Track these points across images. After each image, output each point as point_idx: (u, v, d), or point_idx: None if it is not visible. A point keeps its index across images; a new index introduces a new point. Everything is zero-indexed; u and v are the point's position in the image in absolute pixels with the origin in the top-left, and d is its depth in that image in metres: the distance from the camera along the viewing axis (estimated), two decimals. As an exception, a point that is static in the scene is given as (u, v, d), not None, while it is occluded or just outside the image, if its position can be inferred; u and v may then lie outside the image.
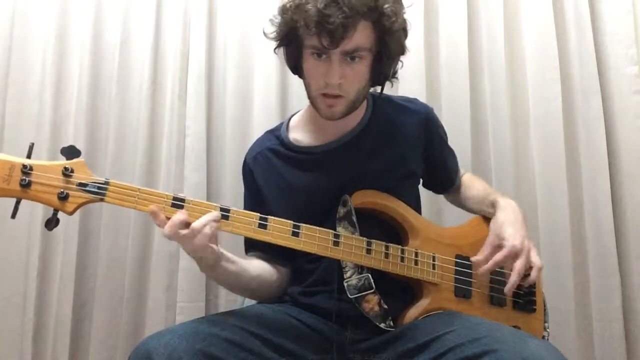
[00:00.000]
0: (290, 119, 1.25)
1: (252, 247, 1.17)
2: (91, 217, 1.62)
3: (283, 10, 1.06)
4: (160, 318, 1.55)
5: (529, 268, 1.04)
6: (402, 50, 1.08)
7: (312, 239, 1.03)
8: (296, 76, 1.18)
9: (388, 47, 1.04)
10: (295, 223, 1.02)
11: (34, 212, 1.57)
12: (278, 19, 1.08)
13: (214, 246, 0.95)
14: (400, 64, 1.13)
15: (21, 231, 1.59)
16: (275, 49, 1.14)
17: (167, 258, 1.58)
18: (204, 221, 0.92)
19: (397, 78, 1.15)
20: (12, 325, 1.56)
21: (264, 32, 1.11)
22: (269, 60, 1.62)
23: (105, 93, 1.66)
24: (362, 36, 1.00)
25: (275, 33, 1.10)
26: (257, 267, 1.12)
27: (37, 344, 1.56)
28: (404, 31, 1.07)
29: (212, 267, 1.00)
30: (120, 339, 1.56)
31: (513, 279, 1.02)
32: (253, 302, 1.22)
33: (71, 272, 1.56)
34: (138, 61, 1.67)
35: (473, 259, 1.09)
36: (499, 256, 1.04)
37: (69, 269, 1.57)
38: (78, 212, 1.57)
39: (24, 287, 1.57)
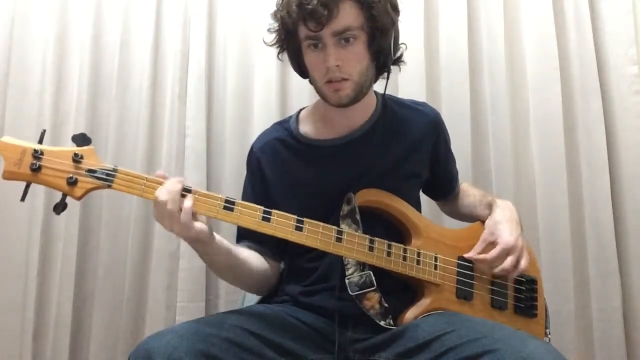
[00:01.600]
0: (299, 112, 1.26)
1: (244, 237, 1.17)
2: (91, 217, 1.62)
3: (274, 14, 1.10)
4: (160, 318, 1.55)
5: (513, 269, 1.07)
6: (392, 21, 1.08)
7: (315, 234, 1.03)
8: (296, 76, 1.19)
9: (377, 20, 1.04)
10: (298, 218, 1.02)
11: (34, 212, 1.57)
12: (274, 26, 1.11)
13: (196, 225, 0.94)
14: (404, 46, 1.14)
15: (21, 231, 1.59)
16: (278, 54, 1.16)
17: (167, 258, 1.58)
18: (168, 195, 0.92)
19: (403, 61, 1.16)
20: (12, 325, 1.56)
21: (264, 42, 1.14)
22: (269, 60, 1.62)
23: (105, 93, 1.66)
24: (348, 15, 1.02)
25: (274, 39, 1.12)
26: (247, 252, 1.12)
27: (37, 343, 1.56)
28: (390, 2, 1.07)
29: (204, 246, 1.00)
30: (120, 339, 1.56)
31: (495, 271, 1.06)
32: (253, 302, 1.22)
33: (71, 272, 1.57)
34: (138, 61, 1.67)
35: (467, 255, 1.10)
36: (491, 254, 1.06)
37: (69, 268, 1.57)
38: (78, 211, 1.59)
39: (24, 287, 1.57)
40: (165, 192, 0.93)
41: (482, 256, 1.07)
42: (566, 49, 1.67)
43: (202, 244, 0.99)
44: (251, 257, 1.12)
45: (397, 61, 1.15)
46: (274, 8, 1.10)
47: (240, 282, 1.18)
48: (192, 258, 1.57)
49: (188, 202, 0.93)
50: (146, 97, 1.63)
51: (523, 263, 1.06)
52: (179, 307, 1.55)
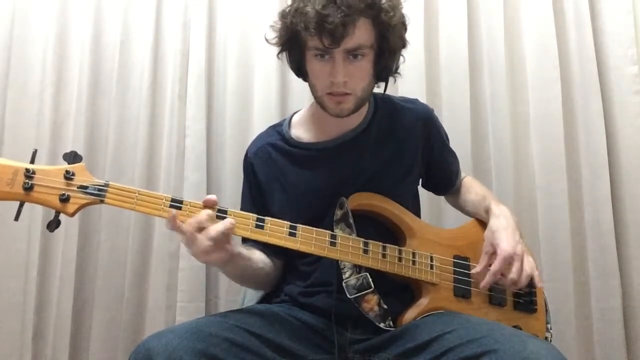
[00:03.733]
0: (292, 116, 1.26)
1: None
2: (91, 217, 1.62)
3: (283, 15, 1.08)
4: (160, 318, 1.56)
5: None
6: (403, 43, 1.09)
7: (309, 239, 1.03)
8: (296, 76, 1.18)
9: (389, 42, 1.05)
10: (292, 224, 1.03)
11: (34, 213, 1.57)
12: (279, 25, 1.10)
13: (220, 253, 0.96)
14: (402, 58, 1.14)
15: (21, 231, 1.59)
16: (278, 54, 1.15)
17: (167, 258, 1.58)
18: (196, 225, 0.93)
19: (399, 73, 1.16)
20: (12, 325, 1.57)
21: (265, 39, 1.13)
22: (269, 60, 1.62)
23: (105, 93, 1.66)
24: (363, 34, 1.02)
25: (276, 38, 1.11)
26: (260, 260, 1.14)
27: (37, 343, 1.56)
28: (403, 25, 1.08)
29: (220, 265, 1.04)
30: (120, 339, 1.56)
31: (506, 283, 1.04)
32: (253, 302, 1.23)
33: (71, 272, 1.57)
34: (138, 61, 1.67)
35: (473, 271, 1.09)
36: (494, 266, 1.04)
37: (69, 269, 1.57)
38: (78, 212, 1.59)
39: (24, 287, 1.57)
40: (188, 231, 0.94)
41: (488, 277, 1.04)
42: (566, 49, 1.67)
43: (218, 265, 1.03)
44: (261, 263, 1.13)
45: (395, 72, 1.15)
46: (276, 7, 1.10)
47: (248, 285, 1.21)
48: (192, 258, 1.55)
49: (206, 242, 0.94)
50: (146, 97, 1.63)
51: (527, 269, 1.04)
52: (179, 307, 1.55)
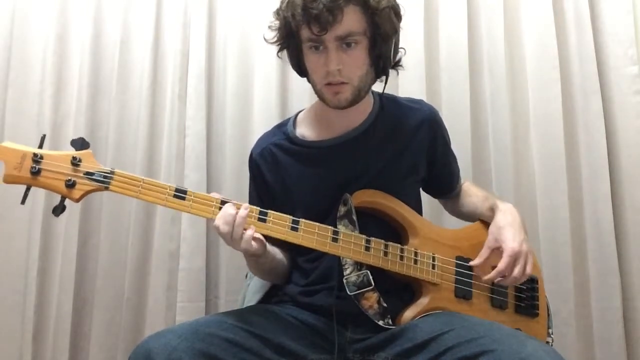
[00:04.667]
0: (297, 115, 1.26)
1: None
2: (91, 217, 1.62)
3: (277, 13, 1.10)
4: (160, 318, 1.56)
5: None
6: (394, 28, 1.08)
7: (311, 235, 1.03)
8: (296, 76, 1.19)
9: (379, 27, 1.05)
10: (294, 218, 1.03)
11: (34, 212, 1.57)
12: (276, 24, 1.11)
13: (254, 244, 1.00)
14: (403, 50, 1.14)
15: (21, 230, 1.59)
16: (277, 52, 1.16)
17: (167, 258, 1.58)
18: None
19: (401, 66, 1.17)
20: (12, 325, 1.57)
21: (264, 38, 1.14)
22: (269, 60, 1.62)
23: (105, 93, 1.66)
24: (352, 20, 1.03)
25: (274, 37, 1.12)
26: (280, 252, 1.17)
27: (37, 343, 1.56)
28: (393, 9, 1.08)
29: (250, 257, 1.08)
30: (120, 339, 1.56)
31: (507, 282, 1.05)
32: (253, 302, 1.22)
33: (71, 272, 1.57)
34: (138, 61, 1.67)
35: (472, 262, 1.09)
36: (501, 264, 1.03)
37: (69, 268, 1.57)
38: (78, 211, 1.59)
39: (24, 287, 1.58)
40: (223, 221, 0.98)
41: (494, 273, 1.03)
42: (566, 49, 1.67)
43: (255, 257, 1.05)
44: (280, 254, 1.16)
45: (396, 65, 1.15)
46: (276, 6, 1.11)
47: (272, 278, 1.21)
48: (192, 258, 1.57)
49: (249, 232, 0.99)
50: (146, 97, 1.64)
51: (528, 268, 1.04)
52: (179, 307, 1.55)
